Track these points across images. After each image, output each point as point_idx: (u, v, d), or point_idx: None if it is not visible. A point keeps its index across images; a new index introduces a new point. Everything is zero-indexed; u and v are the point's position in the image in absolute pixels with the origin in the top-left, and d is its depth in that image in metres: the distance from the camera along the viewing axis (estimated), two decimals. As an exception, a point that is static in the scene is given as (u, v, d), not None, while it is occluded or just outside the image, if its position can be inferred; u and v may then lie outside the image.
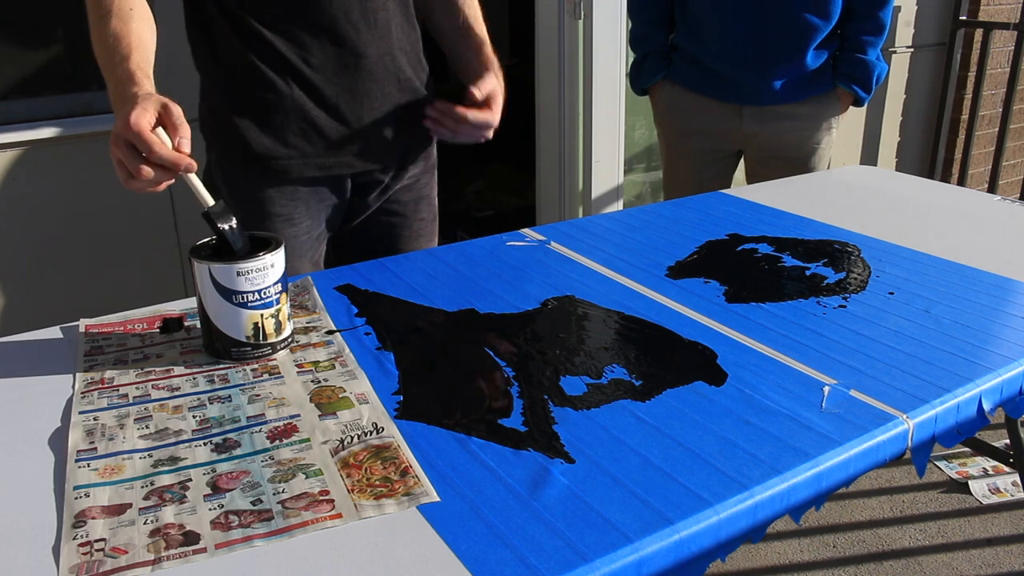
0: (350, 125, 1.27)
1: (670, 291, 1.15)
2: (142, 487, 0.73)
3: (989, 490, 2.15)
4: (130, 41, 1.02)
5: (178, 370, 0.93)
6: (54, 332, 1.03)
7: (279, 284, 0.95)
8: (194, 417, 0.84)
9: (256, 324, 0.94)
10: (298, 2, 1.19)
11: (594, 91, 2.48)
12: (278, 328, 0.96)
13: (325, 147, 1.27)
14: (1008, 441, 1.88)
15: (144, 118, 0.90)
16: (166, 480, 0.74)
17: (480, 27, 1.41)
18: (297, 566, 0.64)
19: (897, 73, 3.34)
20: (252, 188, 1.26)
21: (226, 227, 0.94)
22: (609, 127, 2.56)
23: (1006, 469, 2.20)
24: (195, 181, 0.95)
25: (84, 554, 0.65)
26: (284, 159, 1.25)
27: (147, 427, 0.82)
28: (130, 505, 0.71)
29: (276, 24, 1.19)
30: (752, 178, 2.10)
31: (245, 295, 0.93)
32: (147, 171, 0.90)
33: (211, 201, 0.95)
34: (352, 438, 0.80)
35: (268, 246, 0.95)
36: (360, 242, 1.41)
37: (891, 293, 1.15)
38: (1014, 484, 2.16)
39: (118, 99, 0.97)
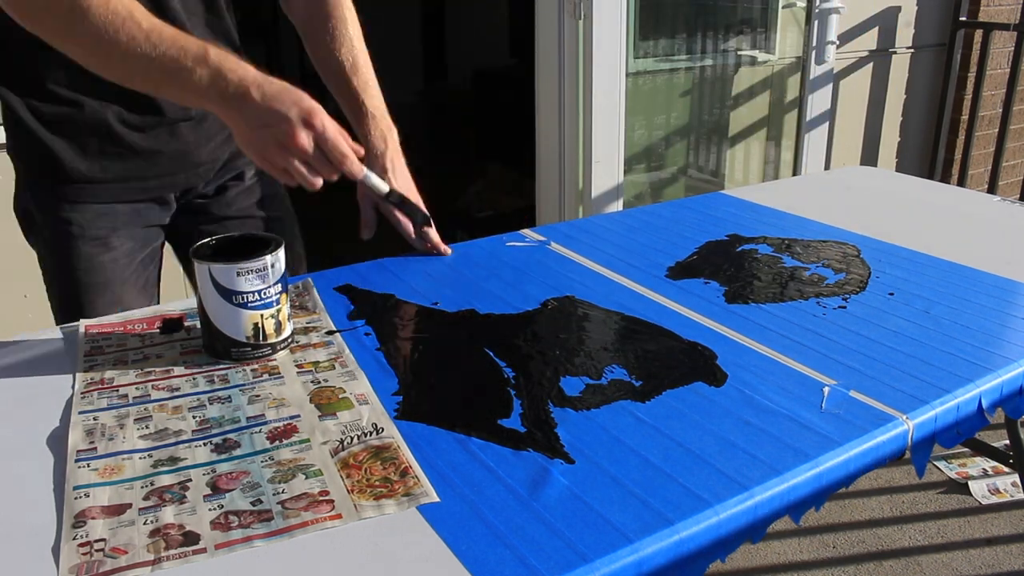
0: (171, 144, 1.17)
1: (670, 292, 1.15)
2: (142, 487, 0.73)
3: (989, 491, 2.16)
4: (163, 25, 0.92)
5: (178, 370, 0.93)
6: (54, 332, 1.04)
7: (279, 284, 0.95)
8: (194, 417, 0.84)
9: (256, 324, 0.94)
10: None
11: (594, 91, 2.48)
12: (278, 328, 0.96)
13: (144, 168, 1.17)
14: (1008, 441, 1.88)
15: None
16: (166, 480, 0.74)
17: (362, 74, 1.24)
18: (297, 566, 0.64)
19: (897, 74, 3.34)
20: (64, 211, 1.14)
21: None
22: (609, 127, 2.56)
23: (1006, 469, 2.21)
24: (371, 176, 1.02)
25: (84, 554, 0.65)
26: (100, 182, 1.14)
27: (147, 427, 0.82)
28: (130, 505, 0.71)
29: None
30: None
31: (245, 295, 0.93)
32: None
33: (386, 189, 1.03)
34: (352, 439, 0.80)
35: (268, 246, 0.95)
36: None
37: (891, 294, 1.15)
38: (1014, 484, 2.16)
39: (240, 83, 0.91)
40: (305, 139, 0.92)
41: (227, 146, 1.25)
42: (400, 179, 1.22)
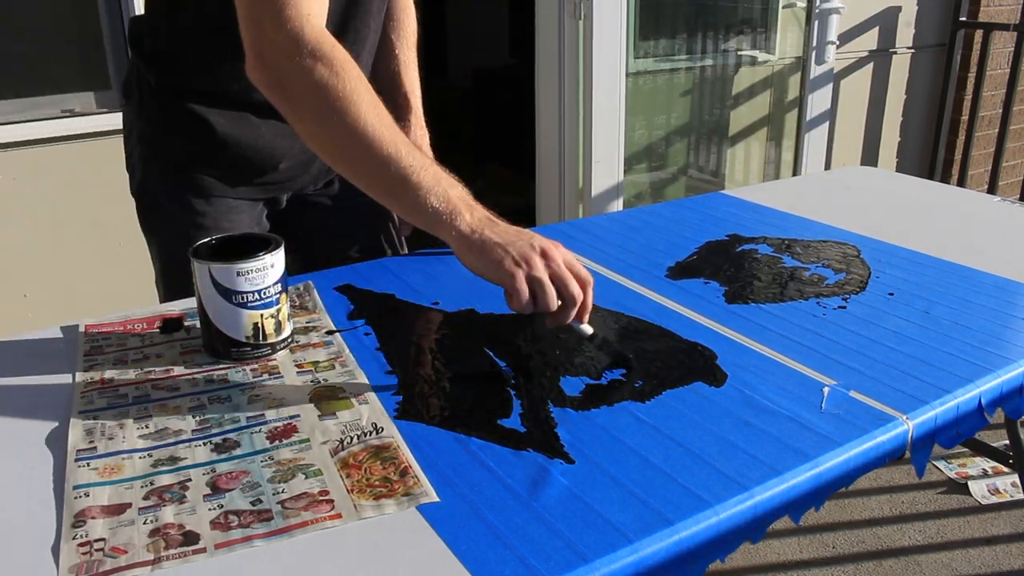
0: (295, 149, 1.23)
1: (670, 292, 1.15)
2: (142, 487, 0.73)
3: (988, 491, 2.16)
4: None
5: (178, 370, 0.93)
6: (54, 332, 1.04)
7: (279, 284, 0.95)
8: (194, 417, 0.84)
9: (256, 324, 0.94)
10: None
11: (594, 91, 2.48)
12: (278, 328, 0.96)
13: (269, 171, 1.24)
14: (1008, 441, 1.88)
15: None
16: (166, 480, 0.74)
17: (410, 79, 1.37)
18: (297, 566, 0.64)
19: (897, 74, 3.35)
20: (196, 203, 1.21)
21: (596, 336, 0.95)
22: (609, 127, 2.56)
23: (1006, 470, 2.21)
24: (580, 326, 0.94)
25: (84, 554, 0.65)
26: (229, 182, 1.21)
27: (147, 427, 0.82)
28: (130, 505, 0.71)
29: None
30: None
31: (245, 295, 0.93)
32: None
33: (590, 331, 0.94)
34: (352, 438, 0.80)
35: (268, 246, 0.95)
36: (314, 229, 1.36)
37: (891, 294, 1.15)
38: (1013, 485, 2.17)
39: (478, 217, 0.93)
40: (557, 253, 0.91)
41: None
42: None
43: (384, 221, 1.40)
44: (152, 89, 1.20)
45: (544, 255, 0.91)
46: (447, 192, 0.93)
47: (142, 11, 1.23)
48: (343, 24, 1.17)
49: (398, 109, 1.34)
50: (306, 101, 0.94)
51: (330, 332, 1.03)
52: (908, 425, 0.84)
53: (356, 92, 0.93)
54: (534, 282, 0.89)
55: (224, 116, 1.17)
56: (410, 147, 0.94)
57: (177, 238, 1.21)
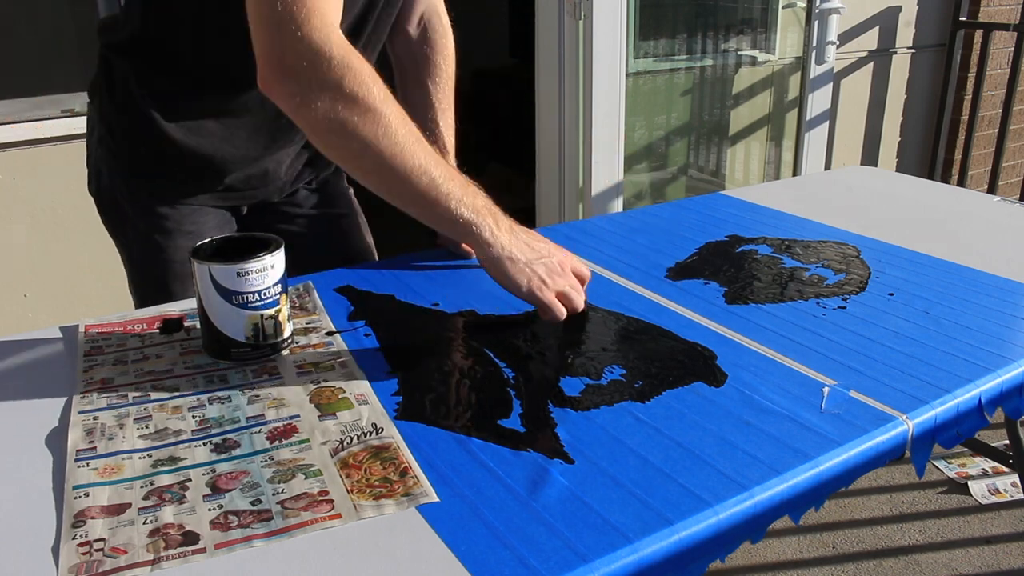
0: (260, 165, 1.24)
1: (670, 292, 1.15)
2: (141, 487, 0.73)
3: (988, 491, 2.16)
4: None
5: (178, 370, 0.93)
6: (54, 332, 1.04)
7: (279, 285, 0.95)
8: (194, 417, 0.84)
9: (256, 325, 0.94)
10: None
11: (594, 92, 2.48)
12: (278, 329, 0.96)
13: (231, 183, 1.24)
14: (1008, 441, 1.88)
15: None
16: (165, 480, 0.74)
17: (448, 126, 1.35)
18: (296, 566, 0.64)
19: (897, 74, 3.35)
20: (158, 207, 1.20)
21: None
22: (609, 127, 2.56)
23: (1006, 470, 2.21)
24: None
25: (83, 554, 0.65)
26: (192, 194, 1.22)
27: (147, 427, 0.82)
28: (129, 505, 0.71)
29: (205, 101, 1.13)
30: None
31: (245, 296, 0.93)
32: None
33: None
34: (352, 439, 0.80)
35: (268, 247, 0.95)
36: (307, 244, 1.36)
37: (891, 294, 1.15)
38: (1013, 485, 2.17)
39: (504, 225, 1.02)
40: (568, 264, 1.05)
41: (299, 161, 1.31)
42: None
43: (356, 230, 1.39)
44: (113, 92, 1.17)
45: (560, 270, 1.03)
46: (474, 202, 0.99)
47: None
48: (357, 30, 1.14)
49: None
50: (331, 115, 0.89)
51: (330, 333, 1.03)
52: (908, 425, 0.84)
53: (385, 103, 0.91)
54: (559, 297, 1.02)
55: (182, 125, 1.15)
56: (437, 158, 0.96)
57: (143, 243, 1.22)
